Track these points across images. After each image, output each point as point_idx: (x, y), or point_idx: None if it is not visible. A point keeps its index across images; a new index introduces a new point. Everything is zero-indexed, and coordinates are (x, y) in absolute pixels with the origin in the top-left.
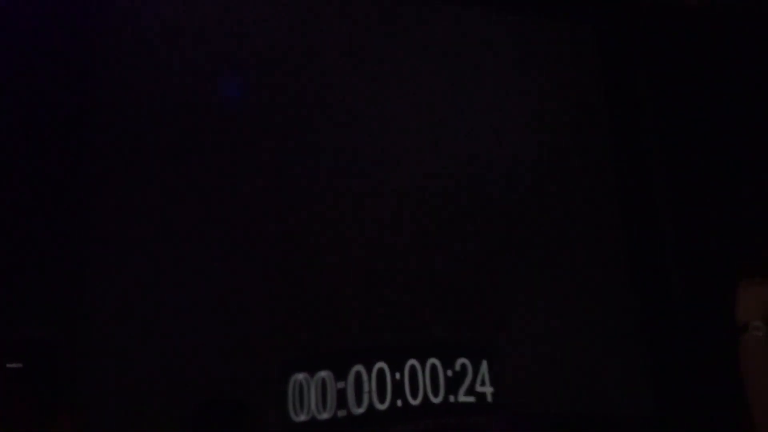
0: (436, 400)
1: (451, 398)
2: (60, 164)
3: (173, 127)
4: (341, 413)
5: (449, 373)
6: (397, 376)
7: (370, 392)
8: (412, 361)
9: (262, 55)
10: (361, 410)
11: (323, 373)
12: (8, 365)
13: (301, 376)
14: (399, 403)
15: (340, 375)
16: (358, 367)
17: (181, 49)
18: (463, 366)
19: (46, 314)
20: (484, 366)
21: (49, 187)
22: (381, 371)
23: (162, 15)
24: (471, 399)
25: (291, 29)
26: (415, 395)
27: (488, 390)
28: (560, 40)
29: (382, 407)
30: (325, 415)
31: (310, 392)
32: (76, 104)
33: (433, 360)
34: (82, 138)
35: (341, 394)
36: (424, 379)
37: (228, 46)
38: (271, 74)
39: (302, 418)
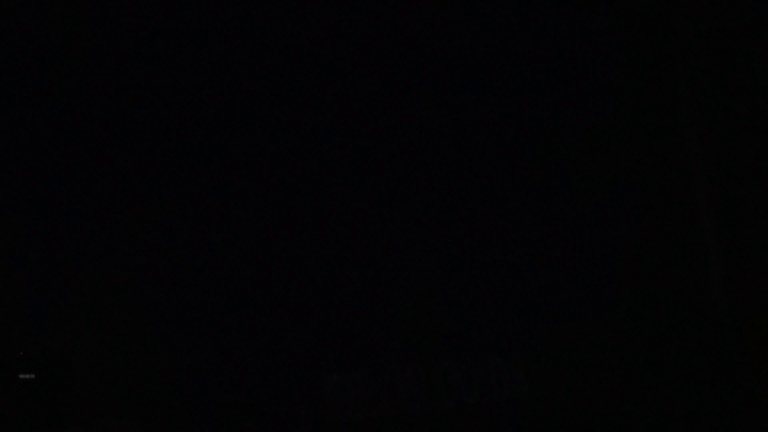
0: (469, 401)
1: (483, 398)
2: (60, 175)
3: (176, 127)
4: (375, 413)
5: (480, 373)
6: (431, 377)
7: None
8: (445, 362)
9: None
10: (395, 410)
11: (357, 374)
12: (20, 376)
13: (335, 377)
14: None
15: (375, 375)
16: (392, 368)
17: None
18: (491, 366)
19: (56, 326)
20: (513, 365)
21: (61, 201)
22: (414, 372)
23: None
24: (497, 398)
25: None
26: (449, 396)
27: (514, 388)
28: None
29: (415, 407)
30: (359, 416)
31: (344, 392)
32: (78, 108)
33: (463, 361)
34: (82, 142)
35: (375, 395)
36: (458, 380)
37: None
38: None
39: (336, 417)
